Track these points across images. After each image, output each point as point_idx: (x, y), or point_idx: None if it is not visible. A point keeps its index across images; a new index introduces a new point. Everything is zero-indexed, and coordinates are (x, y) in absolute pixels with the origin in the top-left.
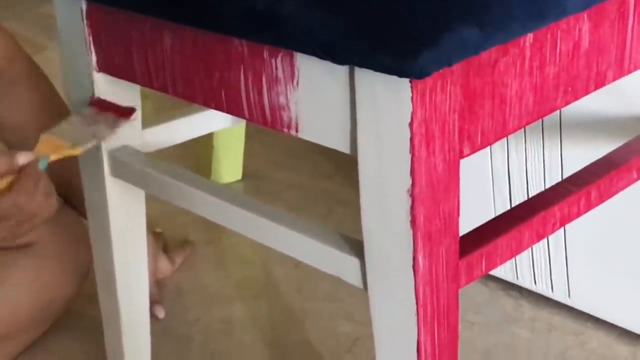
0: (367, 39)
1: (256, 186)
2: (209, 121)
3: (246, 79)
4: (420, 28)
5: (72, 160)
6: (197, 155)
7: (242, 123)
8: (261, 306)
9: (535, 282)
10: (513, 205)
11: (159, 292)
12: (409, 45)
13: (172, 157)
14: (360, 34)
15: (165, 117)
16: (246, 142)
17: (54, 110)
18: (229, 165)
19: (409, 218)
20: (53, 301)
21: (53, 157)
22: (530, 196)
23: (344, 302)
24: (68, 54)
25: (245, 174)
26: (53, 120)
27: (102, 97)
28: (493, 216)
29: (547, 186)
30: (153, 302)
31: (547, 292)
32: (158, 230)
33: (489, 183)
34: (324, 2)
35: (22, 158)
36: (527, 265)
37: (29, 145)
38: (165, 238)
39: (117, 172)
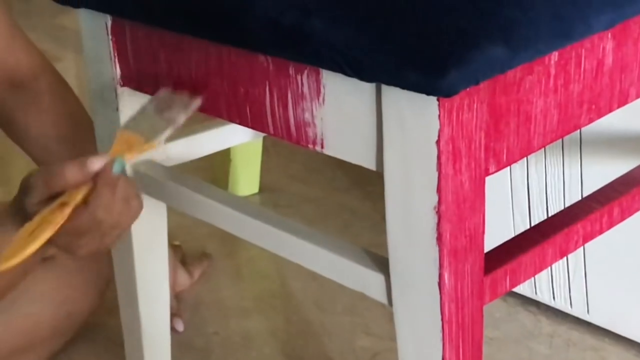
0: (395, 56)
1: (273, 199)
2: (231, 135)
3: (271, 94)
4: (448, 46)
5: None
6: (214, 168)
7: (261, 137)
8: (279, 320)
9: (554, 298)
10: (532, 222)
11: (177, 305)
12: (437, 64)
13: (189, 170)
14: (387, 51)
15: (187, 131)
16: (263, 156)
17: (76, 122)
18: (246, 179)
19: (435, 235)
20: (74, 313)
21: (128, 157)
22: (549, 213)
23: (363, 316)
24: (93, 68)
25: (262, 187)
26: (75, 131)
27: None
28: (512, 233)
29: (567, 203)
30: (172, 315)
31: (565, 308)
32: (176, 242)
33: (509, 199)
34: (351, 18)
35: (95, 163)
36: (546, 281)
37: (52, 156)
38: (183, 250)
39: (140, 186)
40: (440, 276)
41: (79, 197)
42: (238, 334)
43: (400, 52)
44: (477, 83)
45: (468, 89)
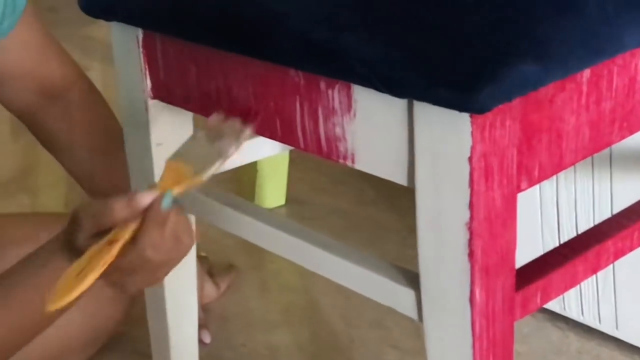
0: (427, 72)
1: (299, 212)
2: (259, 148)
3: (302, 109)
4: (481, 63)
5: (120, 181)
6: (240, 179)
7: (288, 149)
8: (306, 333)
9: (582, 314)
10: (561, 238)
11: (204, 317)
12: (470, 80)
13: (215, 182)
14: (420, 67)
15: None
16: (289, 167)
17: (108, 132)
18: (273, 191)
19: (467, 251)
20: (103, 324)
21: (176, 191)
22: (578, 229)
23: (390, 330)
24: (123, 80)
25: (288, 199)
26: (107, 141)
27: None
28: (541, 248)
29: (597, 219)
30: (199, 326)
31: (594, 324)
32: (203, 254)
33: (538, 215)
34: (383, 34)
35: (144, 199)
36: (575, 297)
37: (82, 165)
38: (209, 262)
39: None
40: (472, 292)
41: (127, 234)
42: (265, 346)
43: (433, 68)
44: (510, 100)
45: (501, 106)
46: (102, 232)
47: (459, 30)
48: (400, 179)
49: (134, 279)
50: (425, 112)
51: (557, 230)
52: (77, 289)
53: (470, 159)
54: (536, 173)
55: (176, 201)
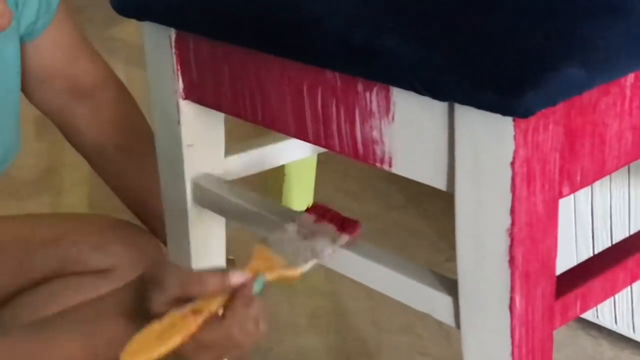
0: (470, 76)
1: None
2: (289, 151)
3: (338, 111)
4: (525, 66)
5: (150, 182)
6: (268, 182)
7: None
8: (334, 337)
9: (616, 322)
10: (595, 245)
11: None
12: (514, 84)
13: (242, 184)
14: (463, 70)
15: (244, 146)
16: (317, 170)
17: (136, 133)
18: (300, 193)
19: (507, 258)
20: None
21: (269, 278)
22: (613, 236)
23: (420, 336)
24: (155, 80)
25: (316, 203)
26: (135, 142)
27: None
28: (574, 256)
29: (632, 226)
30: None
31: (628, 333)
32: (230, 257)
33: (572, 223)
34: (424, 36)
35: (236, 278)
36: (608, 305)
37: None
38: (237, 265)
39: (199, 200)
40: (512, 300)
41: (212, 307)
42: (293, 351)
43: (475, 71)
44: (554, 104)
45: (544, 110)
46: (182, 300)
47: (503, 32)
48: (439, 184)
49: (208, 355)
50: (467, 115)
51: (591, 238)
52: (157, 350)
53: (512, 163)
54: (578, 178)
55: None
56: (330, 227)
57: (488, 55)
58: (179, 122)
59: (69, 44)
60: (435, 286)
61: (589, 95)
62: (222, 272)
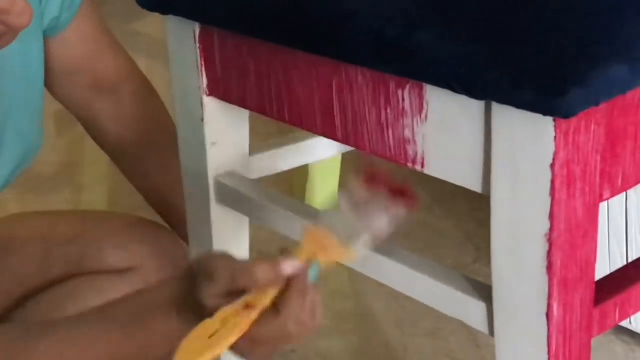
0: (510, 73)
1: None
2: (316, 149)
3: (369, 109)
4: (568, 64)
5: (173, 179)
6: (292, 181)
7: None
8: (359, 340)
9: None
10: (629, 250)
11: None
12: (556, 83)
13: (266, 183)
14: (502, 67)
15: (269, 145)
16: (341, 169)
17: (159, 129)
18: (324, 193)
19: (545, 264)
20: None
21: (324, 263)
22: None
23: (447, 340)
24: (178, 75)
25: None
26: (158, 138)
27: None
28: (607, 260)
29: None
30: None
31: None
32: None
33: (605, 227)
34: (460, 31)
35: (290, 267)
36: None
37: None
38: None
39: (223, 199)
40: (549, 307)
41: (267, 300)
42: (316, 353)
43: (515, 69)
44: (597, 104)
45: (586, 110)
46: (234, 293)
47: (542, 29)
48: (475, 186)
49: (265, 350)
50: (505, 115)
51: (625, 243)
52: (210, 352)
53: (552, 165)
54: (619, 182)
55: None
56: (383, 199)
57: (529, 52)
58: (202, 119)
59: (92, 39)
60: (468, 291)
61: (632, 95)
62: (273, 262)
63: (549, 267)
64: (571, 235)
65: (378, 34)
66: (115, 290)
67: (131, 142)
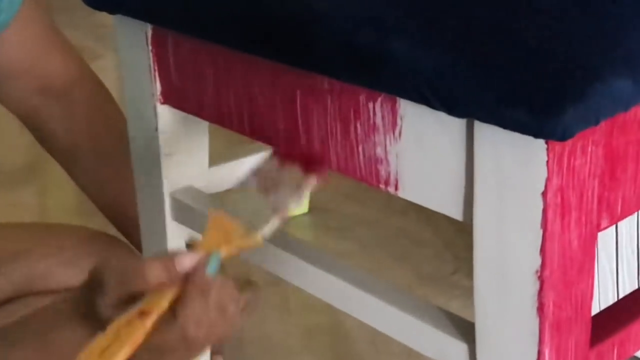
0: (496, 88)
1: (324, 220)
2: None
3: (337, 124)
4: (564, 79)
5: (128, 189)
6: None
7: None
8: (332, 359)
9: None
10: (620, 277)
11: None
12: (551, 100)
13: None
14: (487, 81)
15: (234, 154)
16: None
17: (115, 135)
18: None
19: (536, 304)
20: None
21: (225, 253)
22: None
23: (422, 358)
24: (130, 81)
25: (312, 207)
26: (113, 145)
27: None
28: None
29: None
30: (212, 353)
31: None
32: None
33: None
34: (441, 40)
35: (185, 263)
36: None
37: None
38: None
39: (179, 216)
40: (540, 353)
41: (163, 303)
42: None
43: (503, 83)
44: (597, 123)
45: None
46: (129, 299)
47: (535, 39)
48: (455, 214)
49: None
50: (490, 135)
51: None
52: None
53: (544, 194)
54: (619, 208)
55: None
56: (295, 171)
57: (519, 64)
58: (156, 128)
59: (36, 40)
60: (449, 330)
61: (634, 112)
62: (165, 258)
63: (540, 308)
64: (565, 271)
65: (347, 40)
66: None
67: (83, 149)
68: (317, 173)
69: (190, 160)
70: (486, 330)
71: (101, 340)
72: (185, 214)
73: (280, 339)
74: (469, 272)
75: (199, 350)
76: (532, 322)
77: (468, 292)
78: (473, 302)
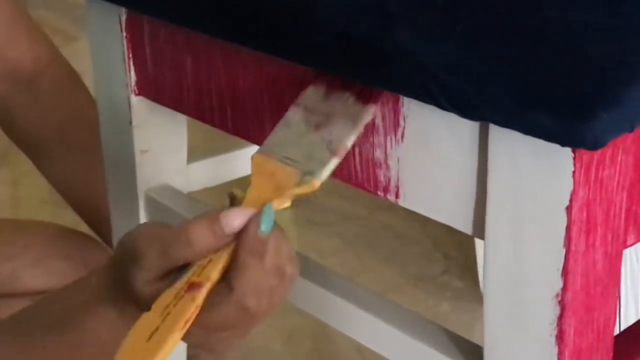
0: (517, 89)
1: (307, 216)
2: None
3: None
4: (596, 79)
5: (99, 183)
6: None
7: None
8: None
9: None
10: None
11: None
12: (582, 103)
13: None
14: (506, 81)
15: (210, 151)
16: None
17: (86, 125)
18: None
19: (555, 331)
20: None
21: (278, 204)
22: None
23: None
24: (102, 70)
25: (295, 201)
26: (85, 136)
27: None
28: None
29: None
30: (188, 357)
31: None
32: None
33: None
34: (453, 31)
35: (234, 220)
36: None
37: (57, 164)
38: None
39: (154, 217)
40: None
41: (214, 273)
42: None
43: (525, 83)
44: (631, 130)
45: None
46: (172, 271)
47: (565, 31)
48: (464, 227)
49: (227, 336)
50: (507, 142)
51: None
52: (154, 354)
53: (569, 209)
54: None
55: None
56: (347, 99)
57: (545, 61)
58: (130, 122)
59: (1, 25)
60: (452, 353)
61: None
62: (210, 218)
63: (560, 336)
64: (588, 295)
65: (343, 30)
66: None
67: (49, 139)
68: (374, 102)
69: (167, 157)
70: (496, 357)
71: (146, 321)
72: (161, 214)
73: (260, 343)
74: (459, 273)
75: (261, 322)
76: (550, 350)
77: (459, 294)
78: (464, 305)
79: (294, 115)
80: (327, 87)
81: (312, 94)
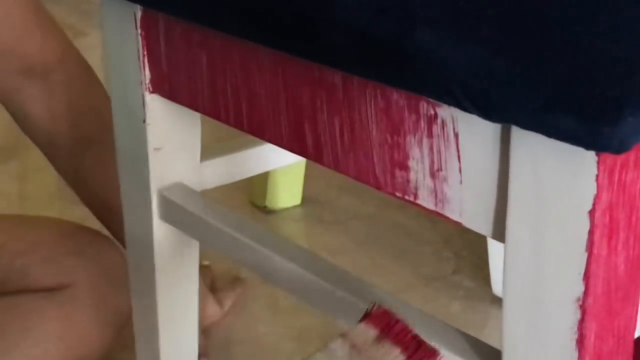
0: (541, 91)
1: (317, 214)
2: (279, 154)
3: (348, 124)
4: (623, 81)
5: (111, 178)
6: (250, 189)
7: None
8: None
9: None
10: None
11: (205, 342)
12: (608, 106)
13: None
14: (531, 82)
15: (223, 149)
16: (306, 163)
17: (99, 120)
18: (288, 188)
19: (575, 336)
20: (86, 356)
21: None
22: None
23: None
24: (116, 68)
25: (305, 199)
26: (98, 131)
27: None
28: None
29: None
30: (199, 355)
31: None
32: (205, 262)
33: None
34: (476, 31)
35: None
36: None
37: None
38: (213, 273)
39: (167, 216)
40: None
41: None
42: None
43: (550, 84)
44: None
45: None
46: None
47: (592, 32)
48: (484, 229)
49: None
50: (530, 144)
51: None
52: None
53: (591, 213)
54: None
55: None
56: (396, 354)
57: (571, 63)
58: (144, 120)
59: (18, 18)
60: (468, 357)
61: None
62: None
63: (580, 340)
64: (609, 299)
65: (364, 30)
66: (40, 315)
67: (64, 135)
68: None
69: (181, 155)
70: None
71: None
72: (174, 212)
73: (271, 340)
74: (469, 273)
75: None
76: (570, 355)
77: (470, 294)
78: (476, 304)
79: (338, 345)
80: (381, 333)
81: (362, 332)
